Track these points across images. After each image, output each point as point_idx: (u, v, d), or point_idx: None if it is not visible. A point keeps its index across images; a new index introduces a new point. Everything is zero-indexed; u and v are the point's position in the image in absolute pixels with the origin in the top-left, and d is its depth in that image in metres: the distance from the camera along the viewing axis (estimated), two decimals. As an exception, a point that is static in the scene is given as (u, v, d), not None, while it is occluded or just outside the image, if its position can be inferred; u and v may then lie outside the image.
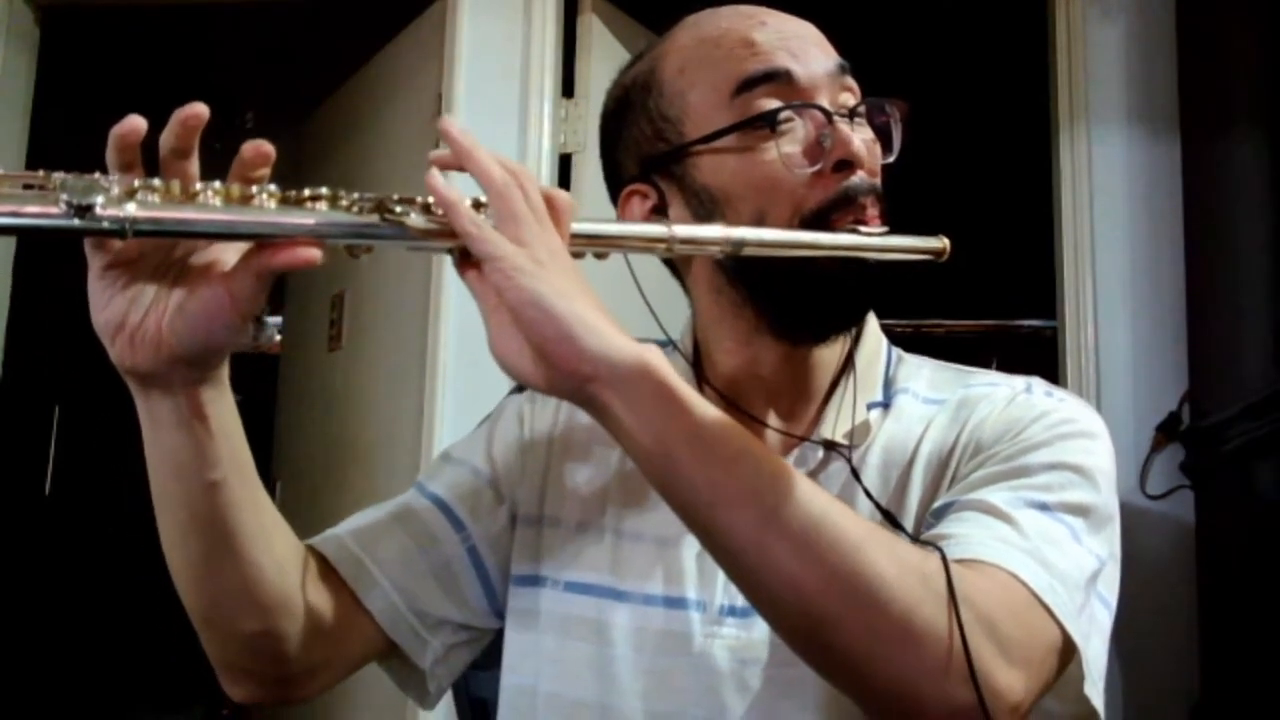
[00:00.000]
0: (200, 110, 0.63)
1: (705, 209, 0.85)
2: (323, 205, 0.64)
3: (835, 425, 0.88)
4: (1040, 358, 2.60)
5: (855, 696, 0.69)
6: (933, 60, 3.69)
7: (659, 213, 0.88)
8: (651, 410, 0.66)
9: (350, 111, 3.00)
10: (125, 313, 0.66)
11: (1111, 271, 2.36)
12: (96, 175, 0.60)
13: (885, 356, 0.94)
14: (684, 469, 0.66)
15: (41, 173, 0.60)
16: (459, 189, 0.67)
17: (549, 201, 0.69)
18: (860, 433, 0.88)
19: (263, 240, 0.65)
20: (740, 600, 0.83)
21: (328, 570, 0.88)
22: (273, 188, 0.64)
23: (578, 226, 0.72)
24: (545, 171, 2.43)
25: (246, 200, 0.63)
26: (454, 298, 2.36)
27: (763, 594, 0.67)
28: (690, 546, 0.87)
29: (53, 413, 3.85)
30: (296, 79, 3.47)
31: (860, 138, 0.85)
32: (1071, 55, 2.43)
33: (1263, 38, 2.03)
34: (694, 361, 0.94)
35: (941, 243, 0.86)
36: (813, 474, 0.87)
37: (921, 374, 0.93)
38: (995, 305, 4.00)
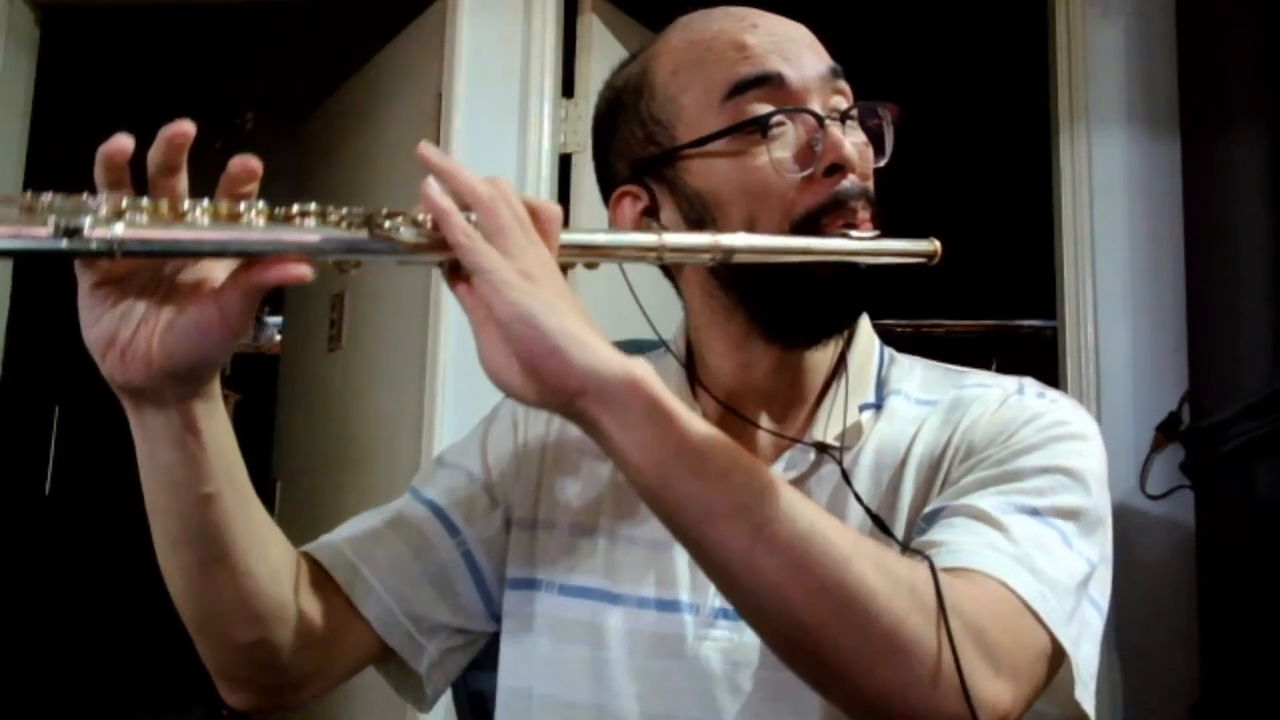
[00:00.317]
0: (187, 128, 0.63)
1: (696, 212, 0.85)
2: (311, 221, 0.64)
3: (827, 427, 0.88)
4: (1040, 358, 2.60)
5: (844, 707, 0.69)
6: (933, 60, 3.69)
7: (650, 214, 0.88)
8: (640, 425, 0.66)
9: (350, 111, 3.00)
10: (115, 329, 0.66)
11: (1111, 271, 2.36)
12: (84, 196, 0.60)
13: (878, 357, 0.94)
14: (673, 484, 0.66)
15: (29, 194, 0.60)
16: (451, 201, 0.67)
17: (535, 213, 0.69)
18: (852, 434, 0.88)
19: (252, 258, 0.64)
20: (732, 603, 0.83)
21: (323, 577, 0.89)
22: (261, 204, 0.64)
23: (567, 236, 0.71)
24: (545, 171, 2.43)
25: (235, 218, 0.63)
26: (453, 299, 2.34)
27: (752, 606, 0.68)
28: (683, 550, 0.87)
29: (53, 413, 3.85)
30: (296, 79, 3.48)
31: (852, 141, 0.85)
32: (1071, 55, 2.43)
33: (1263, 38, 2.03)
34: (687, 364, 0.94)
35: (932, 245, 0.85)
36: (804, 476, 0.87)
37: (914, 374, 0.93)
38: (995, 305, 4.00)
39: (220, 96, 4.37)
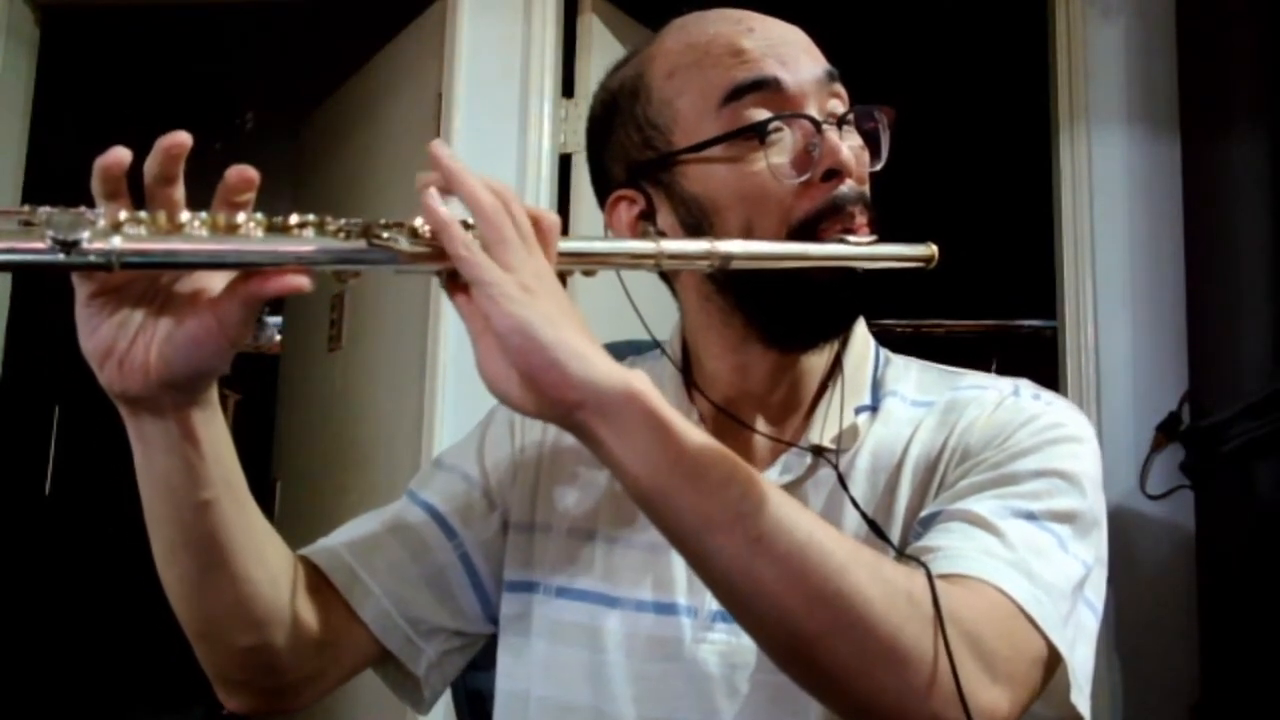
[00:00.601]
0: (183, 139, 0.63)
1: (693, 217, 0.85)
2: (309, 231, 0.64)
3: (823, 430, 0.88)
4: (1040, 358, 2.60)
5: (842, 714, 0.70)
6: (933, 60, 3.69)
7: (646, 218, 0.88)
8: (638, 437, 0.66)
9: (350, 111, 3.00)
10: (113, 339, 0.66)
11: (1111, 271, 2.36)
12: (82, 209, 0.60)
13: (873, 359, 0.94)
14: (671, 494, 0.66)
15: (27, 207, 0.60)
16: (450, 212, 0.67)
17: (535, 223, 0.69)
18: (848, 437, 0.88)
19: (250, 269, 0.64)
20: (729, 606, 0.83)
21: (321, 581, 0.89)
22: (259, 216, 0.64)
23: (565, 245, 0.71)
24: (545, 171, 2.43)
25: (232, 229, 0.63)
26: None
27: (750, 615, 0.68)
28: None
29: (53, 413, 3.86)
30: (296, 79, 3.47)
31: (848, 145, 0.85)
32: (1071, 55, 2.43)
33: (1263, 38, 2.03)
34: (683, 367, 0.94)
35: (930, 250, 0.85)
36: (800, 480, 0.87)
37: (909, 376, 0.93)
38: (995, 305, 4.00)
39: (220, 96, 4.36)
